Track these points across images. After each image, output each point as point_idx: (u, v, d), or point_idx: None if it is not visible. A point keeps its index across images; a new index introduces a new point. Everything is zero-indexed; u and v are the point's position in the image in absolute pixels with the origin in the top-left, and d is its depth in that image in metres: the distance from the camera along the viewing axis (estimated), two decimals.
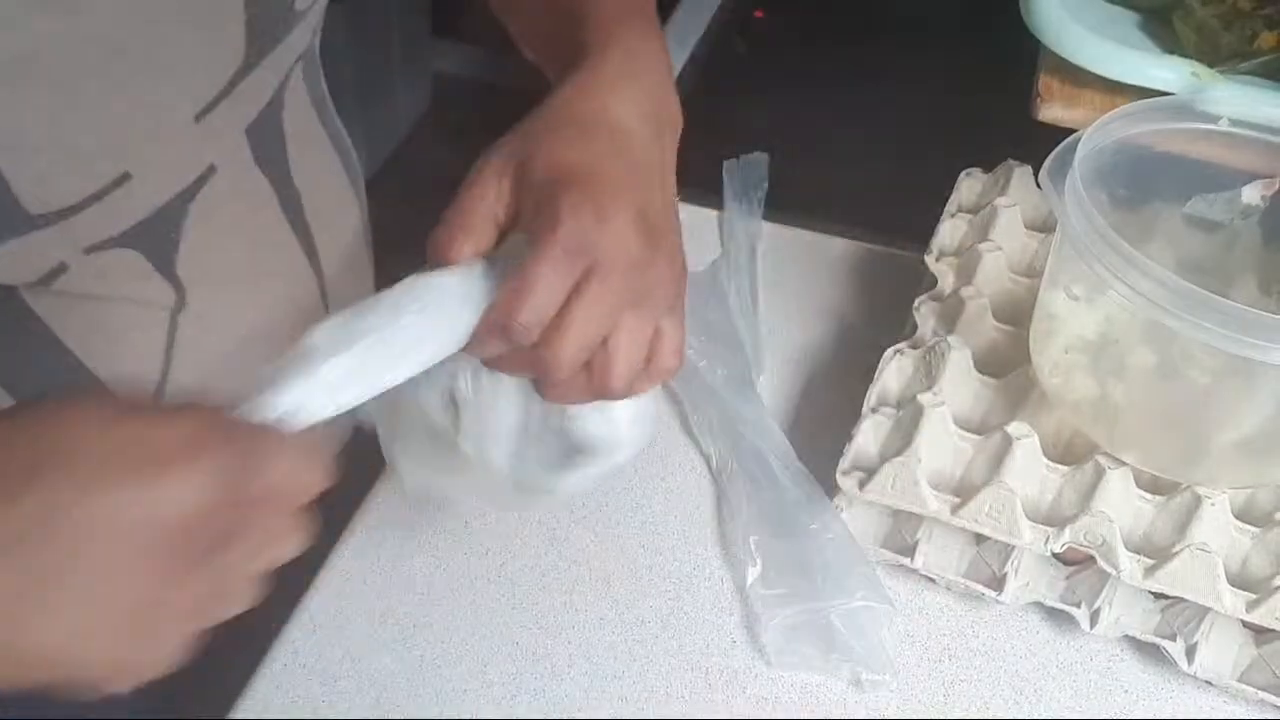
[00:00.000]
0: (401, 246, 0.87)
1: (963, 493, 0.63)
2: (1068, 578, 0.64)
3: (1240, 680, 0.61)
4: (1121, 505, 0.62)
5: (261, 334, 0.64)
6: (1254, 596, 0.59)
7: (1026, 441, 0.63)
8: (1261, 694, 0.60)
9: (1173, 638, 0.62)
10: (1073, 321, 0.63)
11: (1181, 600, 0.61)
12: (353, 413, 0.45)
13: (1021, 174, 0.80)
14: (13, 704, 0.62)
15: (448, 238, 0.46)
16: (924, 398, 0.65)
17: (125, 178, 0.51)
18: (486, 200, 0.47)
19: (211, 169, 0.57)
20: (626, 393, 0.48)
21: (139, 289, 0.57)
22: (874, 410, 0.68)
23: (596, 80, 0.51)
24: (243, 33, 0.53)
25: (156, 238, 0.56)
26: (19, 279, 0.53)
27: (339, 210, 0.70)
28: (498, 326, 0.44)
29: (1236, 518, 0.62)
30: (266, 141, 0.60)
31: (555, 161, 0.46)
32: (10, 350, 0.56)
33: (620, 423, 0.52)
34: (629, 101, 0.51)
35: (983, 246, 0.74)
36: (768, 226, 0.87)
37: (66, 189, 0.50)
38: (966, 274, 0.74)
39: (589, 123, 0.49)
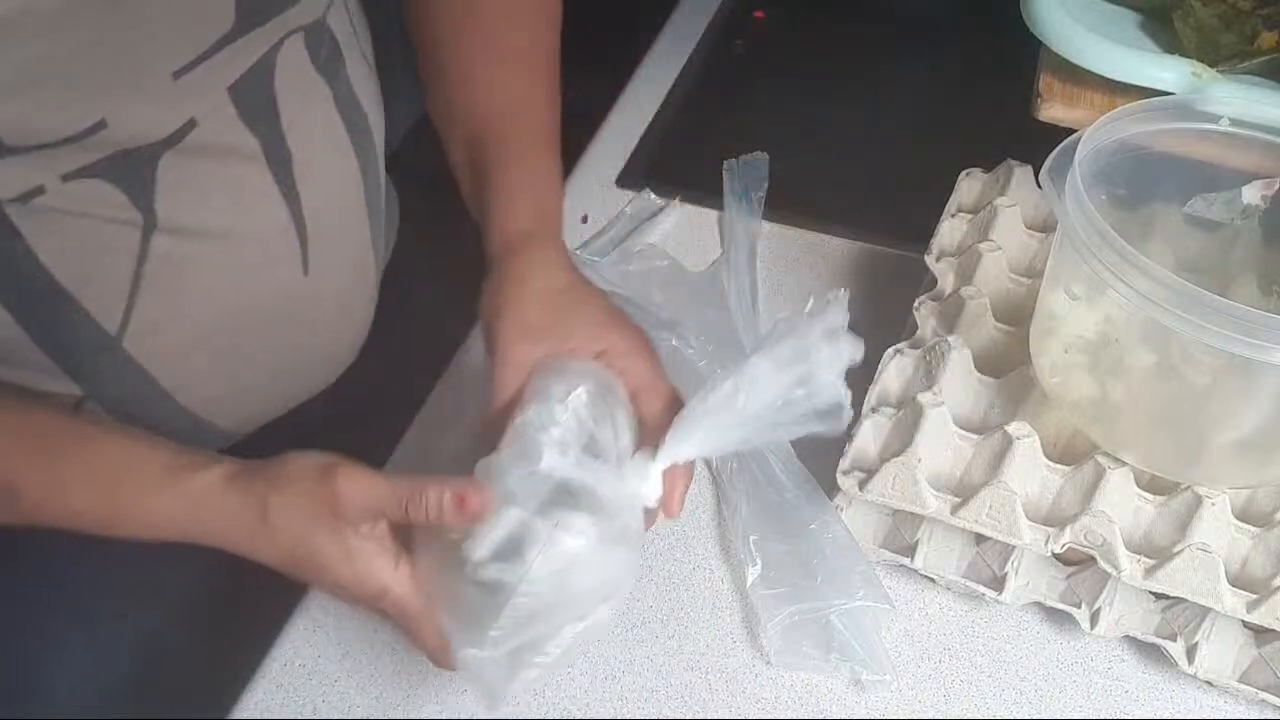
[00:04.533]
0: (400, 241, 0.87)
1: (963, 493, 0.63)
2: (1068, 578, 0.64)
3: (1241, 680, 0.61)
4: (1121, 505, 0.62)
5: (231, 276, 0.67)
6: (1254, 596, 0.59)
7: (1026, 441, 0.63)
8: (1262, 694, 0.60)
9: (1173, 638, 0.62)
10: (1072, 321, 0.63)
11: (1182, 600, 0.61)
12: None
13: (1021, 174, 0.79)
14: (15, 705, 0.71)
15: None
16: (924, 397, 0.65)
17: (101, 125, 0.56)
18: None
19: (192, 123, 0.61)
20: None
21: (113, 215, 0.61)
22: (874, 410, 0.68)
23: (541, 255, 0.63)
24: (232, 5, 0.58)
25: (132, 176, 0.60)
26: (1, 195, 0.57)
27: (337, 175, 0.72)
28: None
29: (1236, 518, 0.62)
30: (252, 101, 0.64)
31: (596, 346, 0.60)
32: None
33: None
34: (563, 263, 0.64)
35: (983, 246, 0.74)
36: (768, 226, 0.87)
37: (43, 129, 0.54)
38: (966, 274, 0.74)
39: (563, 288, 0.62)
